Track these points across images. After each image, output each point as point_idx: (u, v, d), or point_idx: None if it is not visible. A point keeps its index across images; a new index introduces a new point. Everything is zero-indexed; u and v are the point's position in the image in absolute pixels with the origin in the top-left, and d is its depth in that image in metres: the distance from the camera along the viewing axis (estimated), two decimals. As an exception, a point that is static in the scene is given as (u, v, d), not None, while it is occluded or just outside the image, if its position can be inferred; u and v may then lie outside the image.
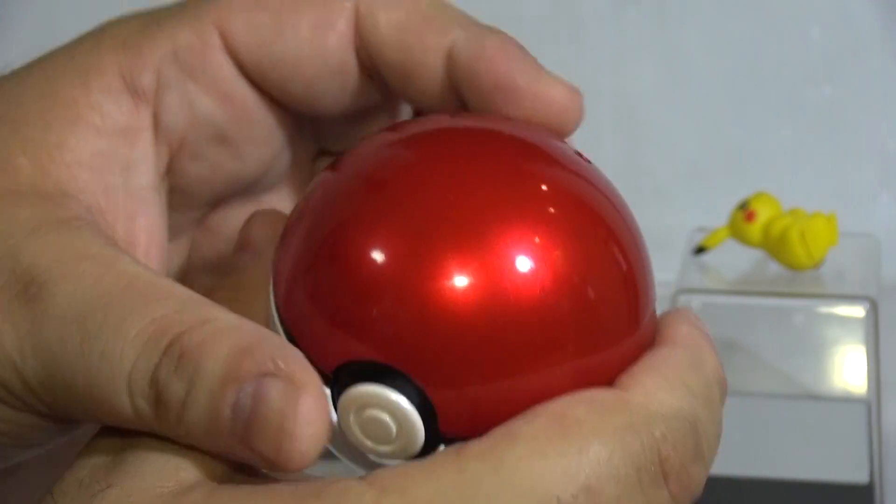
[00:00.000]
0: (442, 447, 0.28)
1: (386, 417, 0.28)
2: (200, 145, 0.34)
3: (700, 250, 0.74)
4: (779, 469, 0.68)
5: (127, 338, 0.29)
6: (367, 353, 0.28)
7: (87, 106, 0.32)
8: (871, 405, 0.70)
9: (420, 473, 0.27)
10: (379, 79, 0.34)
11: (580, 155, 0.31)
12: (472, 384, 0.27)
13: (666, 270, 0.70)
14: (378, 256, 0.27)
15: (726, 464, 0.68)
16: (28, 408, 0.30)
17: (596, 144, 0.89)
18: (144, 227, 0.34)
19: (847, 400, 0.75)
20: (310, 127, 0.37)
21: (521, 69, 0.32)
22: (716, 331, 0.85)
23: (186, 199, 0.36)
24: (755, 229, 0.72)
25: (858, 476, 0.67)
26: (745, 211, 0.73)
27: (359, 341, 0.28)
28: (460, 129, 0.30)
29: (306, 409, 0.27)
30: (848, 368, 0.77)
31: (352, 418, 0.28)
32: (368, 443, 0.29)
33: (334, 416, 0.29)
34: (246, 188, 0.37)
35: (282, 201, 0.38)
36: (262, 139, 0.35)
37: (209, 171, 0.35)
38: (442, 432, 0.28)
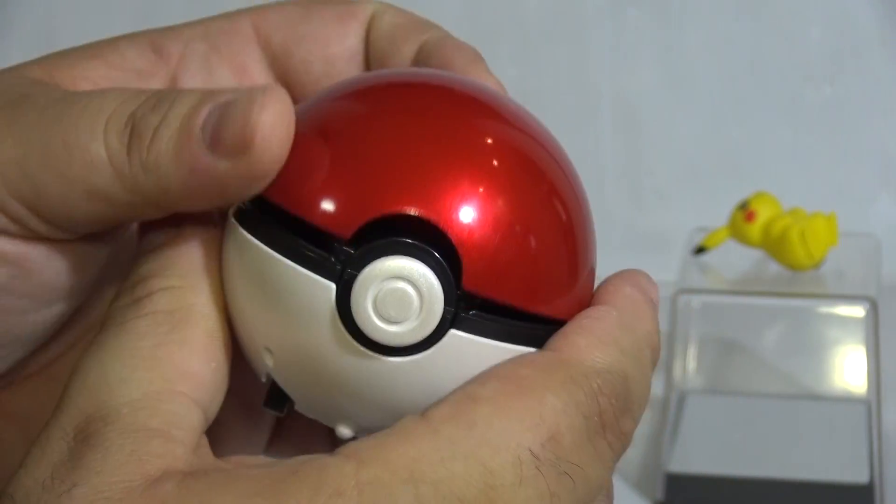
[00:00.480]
0: (450, 332, 0.29)
1: (409, 288, 0.29)
2: None
3: (700, 250, 0.74)
4: (779, 469, 0.68)
5: (108, 95, 0.31)
6: (394, 203, 0.29)
7: (111, 49, 0.35)
8: (871, 405, 0.70)
9: (395, 441, 0.28)
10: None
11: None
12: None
13: (666, 270, 0.71)
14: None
15: (726, 464, 0.68)
16: (21, 228, 0.31)
17: (596, 144, 0.89)
18: None
19: (847, 400, 0.75)
20: None
21: (463, 56, 0.34)
22: (716, 331, 0.85)
23: None
24: (755, 229, 0.72)
25: (858, 476, 0.67)
26: (745, 211, 0.73)
27: (387, 193, 0.29)
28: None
29: (271, 100, 0.29)
30: (848, 368, 0.77)
31: (370, 297, 0.29)
32: (380, 324, 0.29)
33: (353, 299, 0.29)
34: None
35: None
36: None
37: None
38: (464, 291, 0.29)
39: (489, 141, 0.30)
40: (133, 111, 0.31)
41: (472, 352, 0.29)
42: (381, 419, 0.29)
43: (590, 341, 0.30)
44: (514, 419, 0.28)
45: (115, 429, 0.28)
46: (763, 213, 0.72)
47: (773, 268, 0.73)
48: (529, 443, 0.28)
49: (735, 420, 0.73)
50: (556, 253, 0.30)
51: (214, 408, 0.30)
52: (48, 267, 0.32)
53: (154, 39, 0.35)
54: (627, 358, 0.30)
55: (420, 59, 0.35)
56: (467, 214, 0.29)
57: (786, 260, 0.72)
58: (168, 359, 0.29)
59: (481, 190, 0.29)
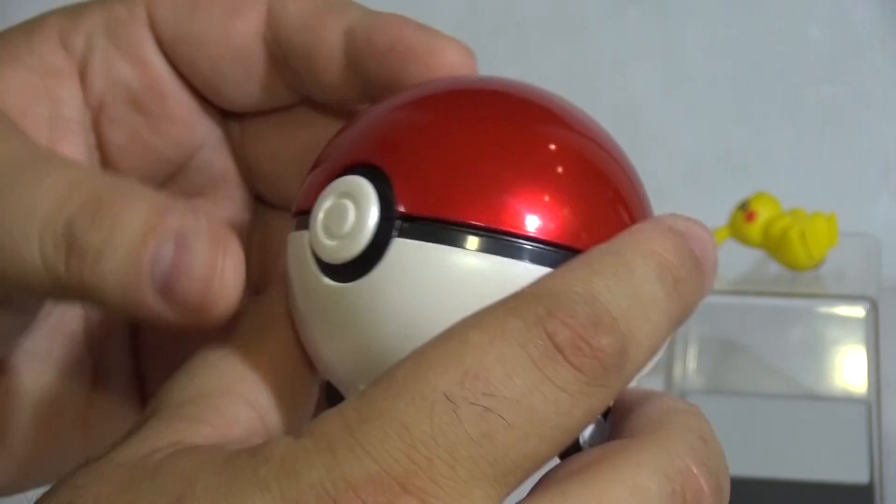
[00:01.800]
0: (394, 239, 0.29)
1: (348, 202, 0.29)
2: (117, 107, 0.36)
3: (700, 250, 0.74)
4: (779, 469, 0.68)
5: (42, 189, 0.29)
6: (364, 156, 0.30)
7: (27, 49, 0.35)
8: (871, 405, 0.70)
9: (329, 413, 0.27)
10: (288, 73, 0.36)
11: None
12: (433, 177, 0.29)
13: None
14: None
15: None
16: None
17: (596, 144, 0.89)
18: (67, 154, 0.35)
19: (847, 400, 0.75)
20: (237, 131, 0.38)
21: (413, 30, 0.34)
22: (716, 331, 0.85)
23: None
24: (755, 229, 0.72)
25: (858, 476, 0.67)
26: (745, 211, 0.73)
27: (362, 151, 0.30)
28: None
29: (232, 257, 0.29)
30: (848, 368, 0.77)
31: (320, 218, 0.30)
32: (326, 241, 0.30)
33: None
34: (174, 180, 0.38)
35: (219, 211, 0.38)
36: (179, 118, 0.36)
37: (128, 141, 0.36)
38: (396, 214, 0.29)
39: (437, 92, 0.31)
40: (70, 217, 0.29)
41: (424, 261, 0.29)
42: (368, 362, 0.29)
43: (552, 274, 0.28)
44: (428, 363, 0.26)
45: (158, 417, 0.29)
46: (763, 213, 0.72)
47: (773, 268, 0.73)
48: (444, 385, 0.26)
49: (735, 420, 0.73)
50: (494, 169, 0.29)
51: (279, 414, 0.30)
52: None
53: (60, 31, 0.35)
54: (600, 275, 0.27)
55: (357, 45, 0.34)
56: (402, 151, 0.30)
57: (786, 260, 0.72)
58: (230, 365, 0.30)
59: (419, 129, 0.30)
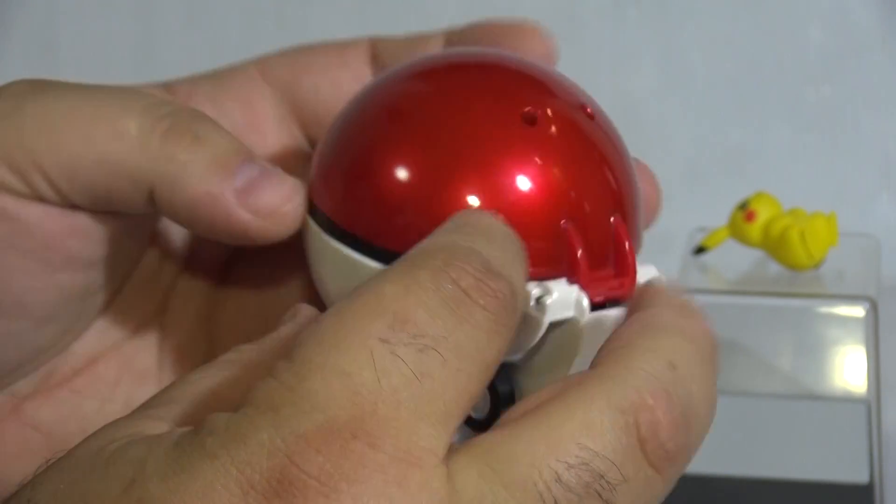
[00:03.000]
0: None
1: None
2: None
3: (700, 250, 0.74)
4: (779, 469, 0.68)
5: (142, 91, 0.34)
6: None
7: (129, 88, 0.37)
8: (871, 405, 0.70)
9: (263, 382, 0.27)
10: None
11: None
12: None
13: (666, 270, 0.70)
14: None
15: (726, 464, 0.68)
16: (24, 185, 0.33)
17: (596, 144, 0.89)
18: None
19: (847, 400, 0.75)
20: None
21: (507, 25, 0.40)
22: (716, 331, 0.85)
23: None
24: (755, 229, 0.72)
25: (858, 476, 0.67)
26: (745, 211, 0.73)
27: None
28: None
29: (298, 189, 0.33)
30: (848, 368, 0.77)
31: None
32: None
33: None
34: None
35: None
36: (275, 159, 0.39)
37: None
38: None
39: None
40: (174, 109, 0.33)
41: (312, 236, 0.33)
42: None
43: (446, 228, 0.30)
44: (356, 316, 0.27)
45: (123, 416, 0.29)
46: (763, 213, 0.72)
47: (773, 268, 0.73)
48: (377, 332, 0.27)
49: (735, 420, 0.73)
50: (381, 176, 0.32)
51: None
52: (48, 228, 0.33)
53: (166, 83, 0.38)
54: (479, 235, 0.29)
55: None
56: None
57: (786, 260, 0.72)
58: (205, 386, 0.30)
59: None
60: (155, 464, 0.26)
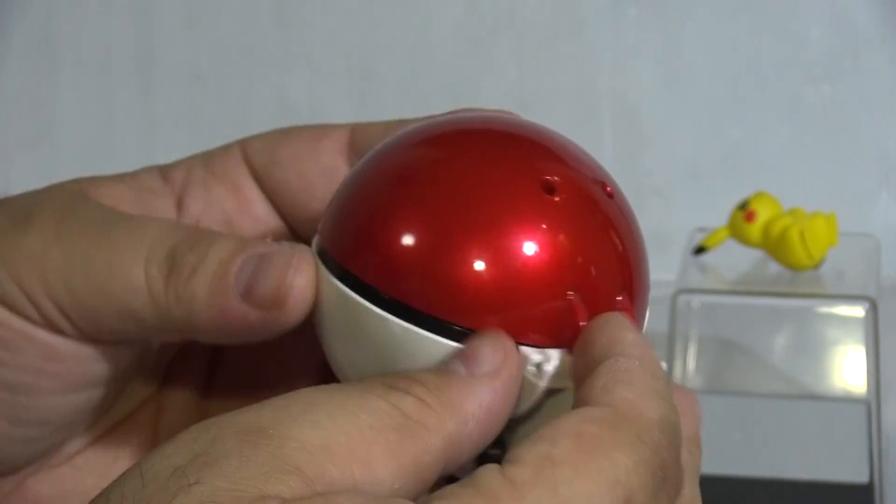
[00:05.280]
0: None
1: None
2: (212, 227, 0.39)
3: (700, 250, 0.74)
4: (779, 469, 0.68)
5: (148, 228, 0.35)
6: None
7: (130, 176, 0.39)
8: (871, 405, 0.70)
9: (482, 502, 0.28)
10: None
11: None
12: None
13: (666, 270, 0.71)
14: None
15: (726, 464, 0.68)
16: (49, 323, 0.35)
17: (596, 144, 0.89)
18: None
19: (847, 400, 0.75)
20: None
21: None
22: (716, 331, 0.85)
23: None
24: (755, 229, 0.72)
25: (858, 476, 0.67)
26: (745, 211, 0.73)
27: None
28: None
29: (303, 263, 0.33)
30: (848, 368, 0.77)
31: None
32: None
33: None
34: None
35: None
36: (267, 237, 0.40)
37: None
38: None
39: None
40: (173, 245, 0.35)
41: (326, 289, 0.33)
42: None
43: (636, 393, 0.30)
44: (594, 482, 0.28)
45: (271, 446, 0.29)
46: (763, 213, 0.72)
47: (773, 268, 0.73)
48: None
49: (735, 420, 0.73)
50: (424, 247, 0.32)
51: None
52: (73, 357, 0.36)
53: (162, 169, 0.40)
54: (668, 404, 0.30)
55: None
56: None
57: (786, 260, 0.72)
58: (372, 448, 0.30)
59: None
60: None
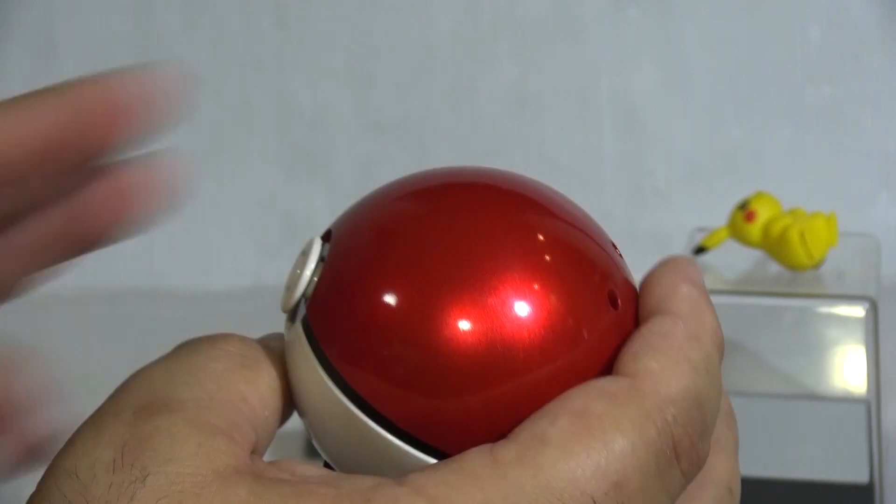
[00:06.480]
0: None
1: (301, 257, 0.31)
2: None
3: (700, 250, 0.74)
4: (779, 469, 0.68)
5: None
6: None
7: None
8: (871, 405, 0.70)
9: (463, 481, 0.28)
10: None
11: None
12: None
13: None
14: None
15: (726, 464, 0.68)
16: None
17: (596, 144, 0.89)
18: None
19: (847, 400, 0.75)
20: None
21: None
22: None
23: None
24: (755, 229, 0.72)
25: (858, 476, 0.67)
26: (745, 211, 0.73)
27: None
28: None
29: None
30: (848, 368, 0.77)
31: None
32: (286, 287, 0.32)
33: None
34: None
35: None
36: None
37: None
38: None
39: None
40: None
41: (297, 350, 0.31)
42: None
43: (662, 364, 0.29)
44: (578, 465, 0.28)
45: (181, 417, 0.28)
46: (763, 213, 0.72)
47: (773, 268, 0.73)
48: (593, 491, 0.27)
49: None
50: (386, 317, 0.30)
51: (261, 448, 0.30)
52: None
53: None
54: (699, 374, 0.30)
55: None
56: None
57: (786, 260, 0.72)
58: (233, 383, 0.30)
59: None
60: None
